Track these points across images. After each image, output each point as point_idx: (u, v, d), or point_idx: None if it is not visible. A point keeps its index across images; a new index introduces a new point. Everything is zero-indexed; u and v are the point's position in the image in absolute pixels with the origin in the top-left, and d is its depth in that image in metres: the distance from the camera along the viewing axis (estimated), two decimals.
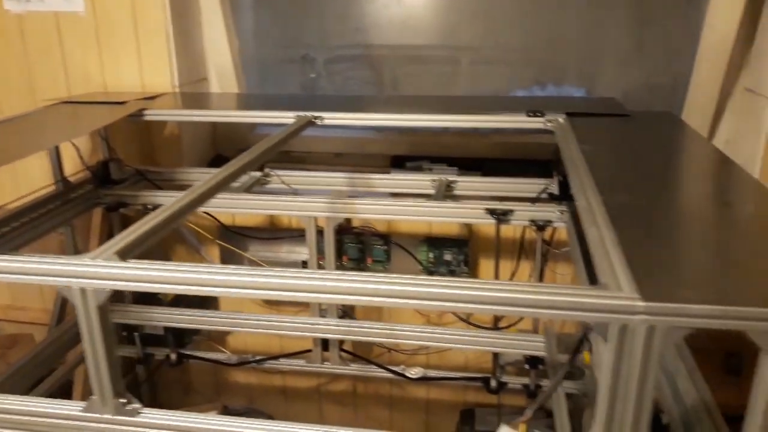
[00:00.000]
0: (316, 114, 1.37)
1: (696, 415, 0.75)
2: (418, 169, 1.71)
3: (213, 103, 1.66)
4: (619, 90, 1.77)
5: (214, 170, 1.61)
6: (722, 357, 1.52)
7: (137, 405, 0.73)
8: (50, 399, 0.76)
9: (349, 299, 0.66)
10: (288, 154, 1.84)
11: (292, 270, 0.69)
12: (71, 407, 0.74)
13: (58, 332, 1.52)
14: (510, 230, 1.60)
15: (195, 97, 1.68)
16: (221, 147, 1.88)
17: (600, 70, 1.80)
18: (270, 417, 1.99)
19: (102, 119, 1.35)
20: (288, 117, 1.37)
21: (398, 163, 1.77)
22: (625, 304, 0.57)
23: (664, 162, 1.01)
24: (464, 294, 0.61)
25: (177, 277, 0.69)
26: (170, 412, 0.73)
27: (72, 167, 1.55)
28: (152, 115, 1.44)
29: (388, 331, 1.52)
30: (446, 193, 1.53)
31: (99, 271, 0.68)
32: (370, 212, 1.47)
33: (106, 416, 0.73)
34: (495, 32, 1.82)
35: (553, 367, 1.40)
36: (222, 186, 0.98)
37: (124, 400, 0.73)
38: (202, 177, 1.62)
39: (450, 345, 1.50)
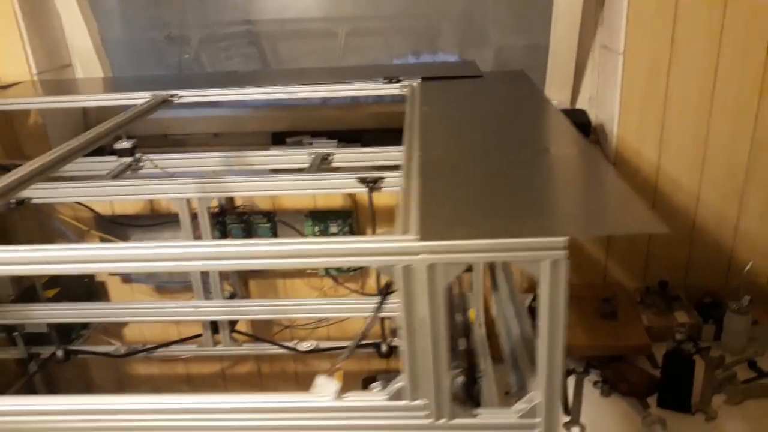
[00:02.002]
0: (173, 92, 1.35)
1: (519, 349, 0.80)
2: (299, 144, 1.71)
3: (75, 88, 1.59)
4: (498, 53, 1.81)
5: (83, 160, 1.58)
6: (598, 303, 1.60)
7: None
8: None
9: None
10: (165, 137, 1.80)
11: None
12: None
13: None
14: (392, 198, 1.63)
15: (57, 84, 1.61)
16: None
17: (478, 35, 1.84)
18: None
19: None
20: (142, 97, 1.34)
21: (279, 139, 1.77)
22: (407, 246, 0.59)
23: (496, 117, 1.05)
24: (253, 251, 0.63)
25: None
26: None
27: None
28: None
29: (275, 308, 1.52)
30: (324, 166, 1.53)
31: None
32: (244, 189, 1.46)
33: None
34: (375, 2, 1.83)
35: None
36: (42, 173, 0.93)
37: None
38: (74, 168, 1.58)
39: (339, 314, 1.53)
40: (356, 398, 0.67)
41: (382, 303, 0.73)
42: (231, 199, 1.67)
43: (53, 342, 1.59)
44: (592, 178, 0.75)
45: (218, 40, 1.92)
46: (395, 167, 1.52)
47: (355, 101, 1.83)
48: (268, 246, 0.64)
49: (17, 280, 1.64)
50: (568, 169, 0.78)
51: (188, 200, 1.45)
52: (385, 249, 0.60)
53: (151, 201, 1.68)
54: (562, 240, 0.58)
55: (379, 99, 1.80)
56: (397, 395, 0.66)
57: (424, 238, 0.59)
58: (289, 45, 1.92)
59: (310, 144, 1.70)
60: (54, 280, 1.62)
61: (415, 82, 1.31)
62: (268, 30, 1.87)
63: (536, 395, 0.65)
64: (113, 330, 1.84)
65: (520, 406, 0.66)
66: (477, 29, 1.83)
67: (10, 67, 1.57)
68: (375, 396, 0.66)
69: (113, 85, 1.67)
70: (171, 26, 1.86)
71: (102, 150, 1.62)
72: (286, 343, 1.57)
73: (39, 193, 1.49)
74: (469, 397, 0.77)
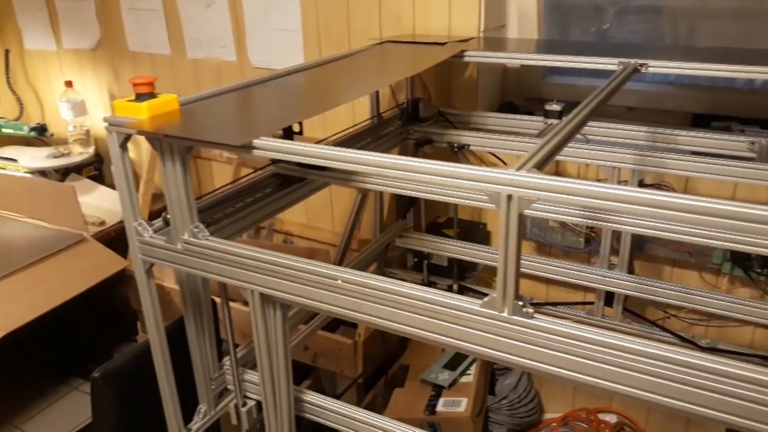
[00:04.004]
0: (641, 61, 1.34)
1: None
2: (726, 130, 1.60)
3: (515, 47, 1.69)
4: None
5: (506, 116, 1.68)
6: None
7: (531, 309, 0.80)
8: (452, 294, 0.85)
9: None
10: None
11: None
12: (470, 302, 0.83)
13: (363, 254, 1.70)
14: None
15: (498, 42, 1.73)
16: (509, 94, 1.93)
17: None
18: None
19: (431, 58, 1.44)
20: (610, 63, 1.36)
21: (700, 122, 1.67)
22: None
23: None
24: None
25: (580, 189, 0.73)
26: (562, 321, 0.78)
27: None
28: (473, 56, 1.52)
29: (681, 294, 1.47)
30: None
31: (524, 181, 0.75)
32: (679, 168, 1.42)
33: (502, 314, 0.80)
34: None
35: None
36: (573, 134, 0.98)
37: (521, 303, 0.80)
38: (496, 122, 1.69)
39: (753, 318, 1.41)
40: None
41: None
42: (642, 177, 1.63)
43: (451, 275, 1.76)
44: None
45: (629, 12, 1.87)
46: None
47: None
48: None
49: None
50: None
51: (619, 170, 1.46)
52: None
53: (556, 164, 1.73)
54: None
55: None
56: None
57: None
58: (700, 26, 1.79)
59: (741, 131, 1.57)
60: (454, 222, 1.78)
61: None
62: (681, 6, 1.76)
63: None
64: (486, 275, 1.95)
65: None
66: None
67: (462, 23, 1.73)
68: None
69: (547, 47, 1.72)
70: None
71: (532, 112, 1.72)
72: (683, 334, 1.51)
73: (469, 140, 1.64)
74: None
